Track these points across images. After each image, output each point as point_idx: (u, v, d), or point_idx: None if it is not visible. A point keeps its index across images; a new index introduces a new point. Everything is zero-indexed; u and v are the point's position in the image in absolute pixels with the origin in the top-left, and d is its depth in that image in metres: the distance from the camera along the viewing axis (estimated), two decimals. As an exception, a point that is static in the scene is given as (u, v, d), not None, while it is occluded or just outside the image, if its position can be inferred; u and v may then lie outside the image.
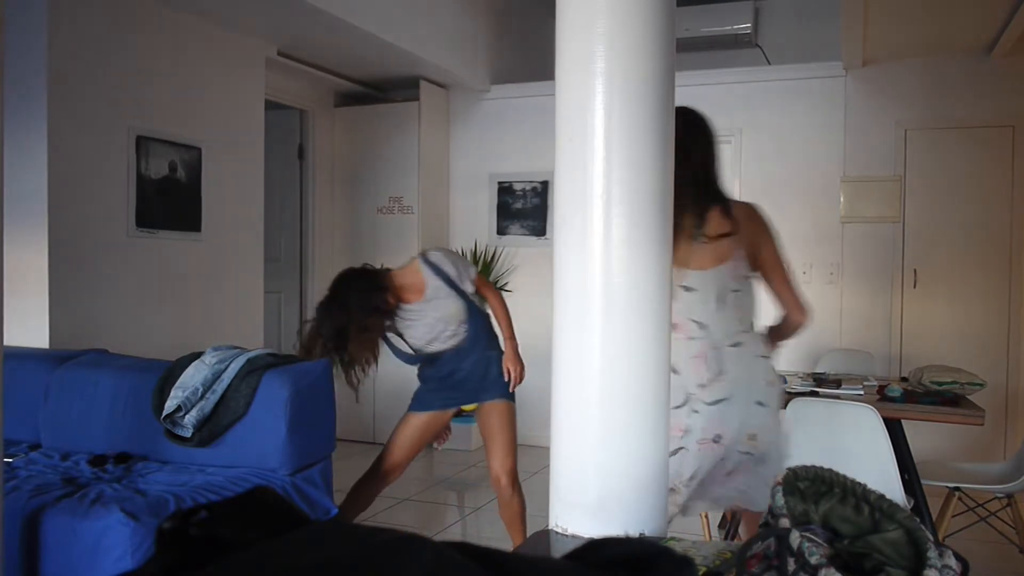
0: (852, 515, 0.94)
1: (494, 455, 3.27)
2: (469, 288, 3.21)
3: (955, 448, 4.80)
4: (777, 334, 2.43)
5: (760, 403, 2.24)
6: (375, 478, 3.26)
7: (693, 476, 2.24)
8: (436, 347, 3.21)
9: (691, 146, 2.21)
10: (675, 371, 2.26)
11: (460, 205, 6.15)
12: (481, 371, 3.23)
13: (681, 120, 2.40)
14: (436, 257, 3.19)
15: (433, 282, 3.13)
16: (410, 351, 3.27)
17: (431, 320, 3.16)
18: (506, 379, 3.24)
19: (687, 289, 2.24)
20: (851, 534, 0.93)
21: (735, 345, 2.25)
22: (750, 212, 2.33)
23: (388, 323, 3.16)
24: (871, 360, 4.56)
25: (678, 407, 2.24)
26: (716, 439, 2.22)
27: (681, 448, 2.24)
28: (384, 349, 3.23)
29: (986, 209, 5.00)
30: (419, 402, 3.29)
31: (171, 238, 4.18)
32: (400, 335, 3.24)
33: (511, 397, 3.27)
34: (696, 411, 2.23)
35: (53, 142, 3.55)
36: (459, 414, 3.40)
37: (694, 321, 2.24)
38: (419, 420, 3.26)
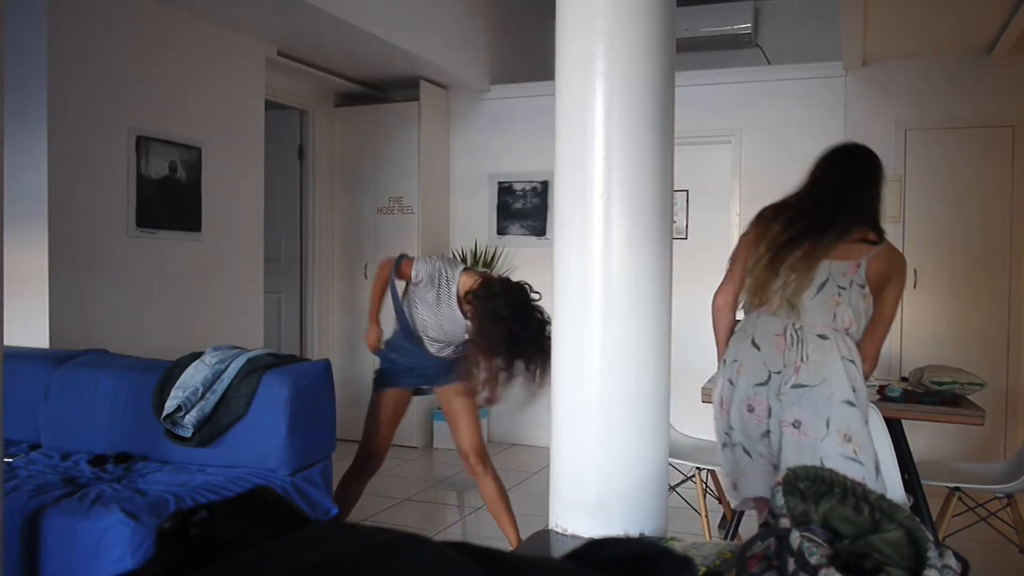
0: (852, 515, 0.94)
1: (460, 435, 3.39)
2: None
3: (955, 448, 4.80)
4: None
5: (850, 403, 2.24)
6: (368, 463, 3.36)
7: (786, 460, 2.26)
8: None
9: (851, 179, 2.45)
10: (756, 347, 2.32)
11: (460, 205, 6.15)
12: (446, 363, 3.35)
13: (860, 157, 2.53)
14: None
15: None
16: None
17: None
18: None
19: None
20: (851, 534, 0.93)
21: (822, 336, 2.27)
22: (895, 254, 2.40)
23: None
24: (871, 360, 4.56)
25: (761, 384, 2.29)
26: (795, 424, 2.24)
27: (768, 431, 2.29)
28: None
29: (986, 209, 5.00)
30: (387, 380, 3.39)
31: (171, 238, 4.18)
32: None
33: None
34: (781, 393, 2.27)
35: (53, 142, 3.55)
36: (418, 392, 3.52)
37: (787, 300, 2.29)
38: (391, 396, 3.38)
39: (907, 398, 3.22)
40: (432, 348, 3.32)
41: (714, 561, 1.05)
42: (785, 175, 5.29)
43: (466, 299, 3.18)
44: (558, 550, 1.28)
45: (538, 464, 5.06)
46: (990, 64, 4.94)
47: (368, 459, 3.35)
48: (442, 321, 3.25)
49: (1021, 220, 4.95)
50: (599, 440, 1.37)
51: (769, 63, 5.72)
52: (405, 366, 3.36)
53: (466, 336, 3.25)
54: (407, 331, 3.32)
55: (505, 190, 6.00)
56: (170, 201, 4.16)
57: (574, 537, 1.34)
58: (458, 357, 3.33)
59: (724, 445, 2.44)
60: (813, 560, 0.81)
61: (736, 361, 2.38)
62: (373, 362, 5.84)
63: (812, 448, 2.23)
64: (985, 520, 3.40)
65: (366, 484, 3.43)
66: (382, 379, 3.41)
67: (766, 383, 2.29)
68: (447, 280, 3.22)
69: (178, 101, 4.21)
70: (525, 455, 5.38)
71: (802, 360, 2.26)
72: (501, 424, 5.87)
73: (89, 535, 2.41)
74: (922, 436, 4.24)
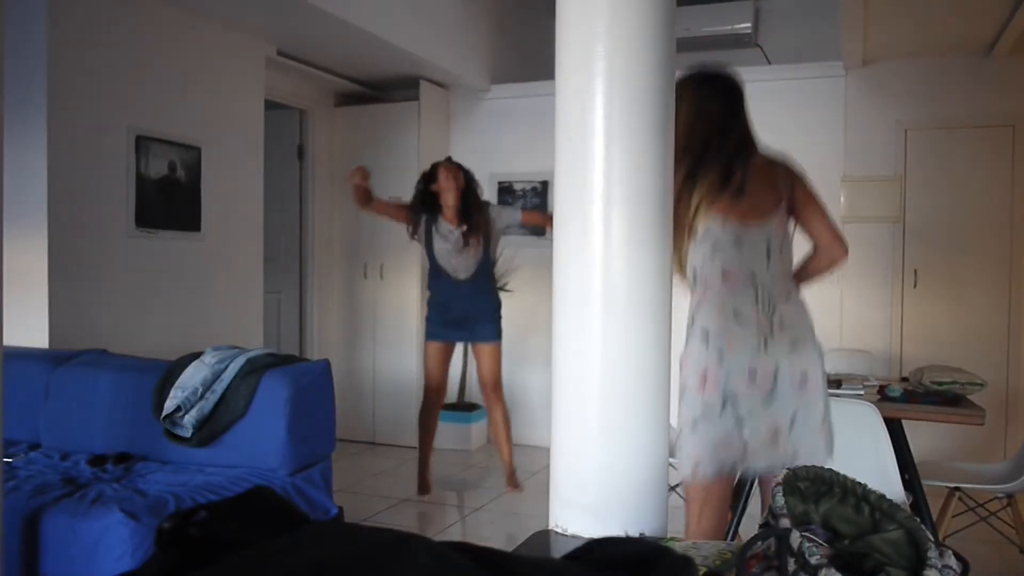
0: (852, 515, 0.94)
1: (484, 367, 4.26)
2: None
3: (955, 448, 4.80)
4: None
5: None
6: (433, 402, 4.31)
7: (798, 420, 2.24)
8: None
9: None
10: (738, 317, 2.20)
11: (460, 205, 6.14)
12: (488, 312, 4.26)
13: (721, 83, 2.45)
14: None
15: None
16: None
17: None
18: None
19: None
20: (851, 534, 0.93)
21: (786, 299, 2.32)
22: (775, 163, 2.41)
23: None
24: (871, 360, 4.56)
25: (757, 350, 2.23)
26: (803, 377, 2.26)
27: (772, 393, 2.22)
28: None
29: (986, 209, 5.00)
30: (432, 333, 4.27)
31: (171, 238, 4.17)
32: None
33: (500, 338, 4.27)
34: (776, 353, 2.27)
35: (53, 142, 3.55)
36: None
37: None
38: (436, 348, 4.26)
39: (907, 398, 3.22)
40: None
41: (714, 561, 1.05)
42: (785, 175, 5.31)
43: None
44: (558, 550, 1.28)
45: (538, 464, 5.05)
46: (990, 64, 4.94)
47: (434, 394, 4.29)
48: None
49: (1021, 220, 4.94)
50: (599, 440, 1.37)
51: (769, 63, 5.72)
52: (452, 317, 4.16)
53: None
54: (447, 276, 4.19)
55: (505, 190, 6.00)
56: (170, 201, 4.16)
57: (574, 537, 1.34)
58: (497, 312, 4.27)
59: (697, 421, 2.16)
60: (813, 560, 0.81)
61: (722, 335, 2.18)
62: (373, 362, 5.89)
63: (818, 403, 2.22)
64: (985, 520, 3.40)
65: (438, 415, 4.38)
66: (429, 331, 4.25)
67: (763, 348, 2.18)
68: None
69: (178, 101, 4.21)
70: (525, 455, 5.37)
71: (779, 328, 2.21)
72: (501, 424, 5.86)
73: (89, 535, 2.41)
74: (922, 436, 4.24)
